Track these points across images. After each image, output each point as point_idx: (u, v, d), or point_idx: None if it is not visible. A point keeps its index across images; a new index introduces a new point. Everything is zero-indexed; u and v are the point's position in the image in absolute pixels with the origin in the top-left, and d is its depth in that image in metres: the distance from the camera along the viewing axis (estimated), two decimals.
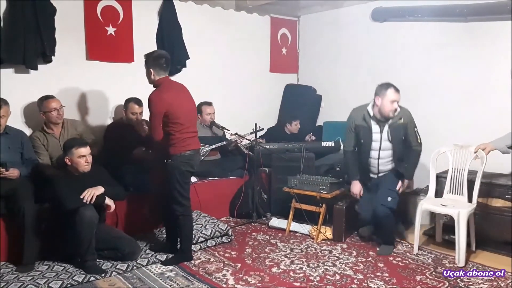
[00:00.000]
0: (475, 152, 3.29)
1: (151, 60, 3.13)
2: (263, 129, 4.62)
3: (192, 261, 3.24)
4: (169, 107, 3.05)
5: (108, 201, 3.07)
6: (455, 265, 3.19)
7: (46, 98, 3.51)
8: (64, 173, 3.09)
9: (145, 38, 4.31)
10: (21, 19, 3.43)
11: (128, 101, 3.89)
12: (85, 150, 3.04)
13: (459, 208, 3.21)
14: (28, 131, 3.65)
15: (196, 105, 4.51)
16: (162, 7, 4.41)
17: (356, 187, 3.58)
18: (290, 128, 5.00)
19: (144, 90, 4.18)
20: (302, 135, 4.96)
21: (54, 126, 3.55)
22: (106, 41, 4.03)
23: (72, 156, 3.01)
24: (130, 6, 4.18)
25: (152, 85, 3.20)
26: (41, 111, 3.51)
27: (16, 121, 3.56)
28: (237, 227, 4.03)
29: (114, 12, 4.09)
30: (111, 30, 4.05)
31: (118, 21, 4.11)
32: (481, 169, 3.28)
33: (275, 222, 4.03)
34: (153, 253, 3.30)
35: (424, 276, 3.00)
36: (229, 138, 4.55)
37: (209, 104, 4.51)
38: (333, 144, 4.51)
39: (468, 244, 3.30)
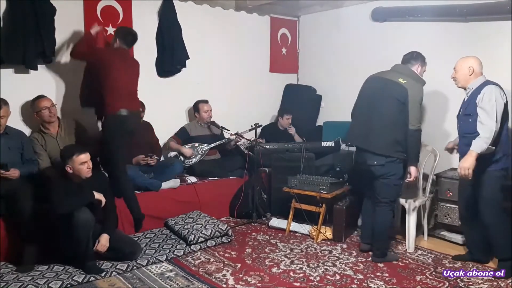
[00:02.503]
0: (447, 149, 3.43)
1: (120, 32, 3.51)
2: (261, 125, 4.62)
3: (192, 261, 3.24)
4: (111, 57, 3.39)
5: (98, 195, 3.06)
6: (454, 265, 3.20)
7: (37, 98, 3.52)
8: (64, 180, 3.03)
9: (145, 38, 4.31)
10: (21, 19, 3.43)
11: None
12: (86, 156, 2.99)
13: (410, 198, 3.53)
14: (27, 131, 3.65)
15: (193, 104, 4.57)
16: (162, 7, 4.41)
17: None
18: (282, 122, 4.99)
19: (144, 90, 4.19)
20: (298, 133, 4.96)
21: (50, 125, 3.55)
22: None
23: (73, 164, 2.97)
24: (130, 6, 4.18)
25: None
26: (34, 111, 3.52)
27: (16, 121, 3.56)
28: (237, 227, 4.03)
29: (114, 12, 4.08)
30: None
31: (118, 21, 4.10)
32: (434, 165, 3.65)
33: (275, 222, 4.03)
34: (152, 253, 3.30)
35: (424, 276, 3.00)
36: (228, 137, 4.55)
37: (206, 101, 4.54)
38: (333, 144, 4.51)
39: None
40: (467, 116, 2.96)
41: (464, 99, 3.09)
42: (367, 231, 3.43)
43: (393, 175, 3.13)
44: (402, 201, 3.56)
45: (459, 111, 3.13)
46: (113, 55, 3.46)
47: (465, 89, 3.08)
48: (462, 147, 3.03)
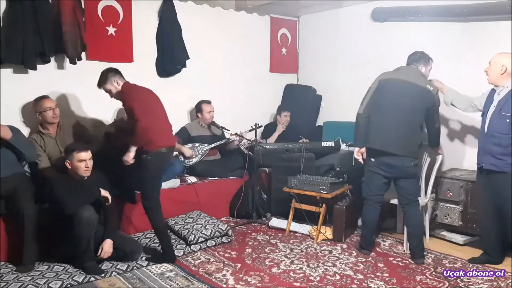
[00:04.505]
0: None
1: (112, 73, 3.20)
2: (261, 126, 4.62)
3: (192, 261, 3.24)
4: (144, 96, 3.19)
5: (104, 192, 3.07)
6: (454, 265, 3.20)
7: (41, 99, 3.51)
8: (64, 176, 3.07)
9: (145, 38, 4.32)
10: (21, 19, 3.43)
11: None
12: (86, 155, 3.00)
13: None
14: (26, 131, 3.66)
15: (193, 104, 4.56)
16: (162, 7, 4.41)
17: None
18: (280, 119, 5.01)
19: None
20: (298, 132, 4.96)
21: (50, 126, 3.54)
22: (106, 41, 4.03)
23: (72, 160, 2.99)
24: (130, 6, 4.18)
25: (115, 97, 3.25)
26: (36, 111, 3.50)
27: (16, 121, 3.56)
28: (237, 227, 4.03)
29: (114, 12, 4.08)
30: (111, 30, 4.05)
31: (118, 21, 4.10)
32: (435, 167, 3.59)
33: (275, 222, 4.03)
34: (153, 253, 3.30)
35: (424, 276, 3.00)
36: (228, 137, 4.55)
37: (209, 102, 4.53)
38: (333, 144, 4.51)
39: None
40: (505, 116, 2.93)
41: (493, 97, 3.06)
42: (370, 237, 3.46)
43: (417, 174, 3.30)
44: None
45: (487, 109, 3.09)
46: (144, 92, 3.25)
47: (493, 86, 3.09)
48: (488, 146, 3.00)
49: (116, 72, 3.24)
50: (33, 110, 3.54)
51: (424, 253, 3.31)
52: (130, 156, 3.07)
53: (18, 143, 3.23)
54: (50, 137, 3.52)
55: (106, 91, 3.24)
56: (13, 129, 3.29)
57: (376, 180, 3.30)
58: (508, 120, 2.90)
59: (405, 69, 3.31)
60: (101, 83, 3.22)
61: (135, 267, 3.09)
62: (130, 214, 3.67)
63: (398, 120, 3.16)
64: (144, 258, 3.23)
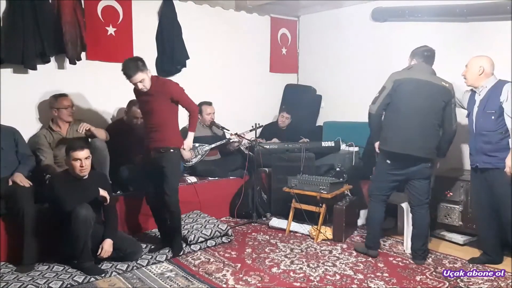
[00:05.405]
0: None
1: (141, 62, 3.07)
2: (262, 126, 4.62)
3: (192, 261, 3.24)
4: None
5: (102, 192, 3.07)
6: (454, 265, 3.20)
7: (60, 96, 3.54)
8: (64, 174, 3.07)
9: (145, 38, 4.32)
10: (21, 19, 3.43)
11: (131, 103, 3.87)
12: (81, 154, 2.95)
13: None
14: (37, 127, 3.68)
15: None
16: (162, 7, 4.41)
17: None
18: (279, 120, 5.07)
19: None
20: (298, 132, 4.96)
21: (63, 124, 3.54)
22: (106, 41, 4.03)
23: (68, 158, 2.98)
24: (130, 6, 4.18)
25: (148, 87, 3.13)
26: (53, 107, 3.50)
27: (15, 120, 3.55)
28: (237, 227, 4.03)
29: (114, 12, 4.09)
30: (111, 30, 4.05)
31: (118, 21, 4.11)
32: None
33: (275, 222, 4.03)
34: (152, 254, 3.29)
35: (424, 276, 3.00)
36: (229, 137, 4.55)
37: (209, 104, 4.52)
38: (333, 144, 4.51)
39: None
40: (490, 113, 2.97)
41: (474, 97, 3.10)
42: (376, 237, 3.41)
43: (431, 175, 3.25)
44: (401, 202, 3.55)
45: (471, 110, 3.12)
46: None
47: (472, 88, 3.12)
48: (479, 145, 3.04)
49: (143, 60, 3.07)
50: (49, 106, 3.55)
51: (425, 258, 3.25)
52: (191, 143, 3.35)
53: (20, 155, 3.27)
54: (60, 135, 3.52)
55: (138, 81, 3.02)
56: (14, 131, 3.31)
57: (387, 181, 3.26)
58: (493, 117, 2.96)
59: (418, 67, 3.19)
60: (134, 72, 2.98)
61: (135, 267, 3.09)
62: (130, 214, 3.66)
63: (416, 121, 3.09)
64: (148, 248, 3.32)
